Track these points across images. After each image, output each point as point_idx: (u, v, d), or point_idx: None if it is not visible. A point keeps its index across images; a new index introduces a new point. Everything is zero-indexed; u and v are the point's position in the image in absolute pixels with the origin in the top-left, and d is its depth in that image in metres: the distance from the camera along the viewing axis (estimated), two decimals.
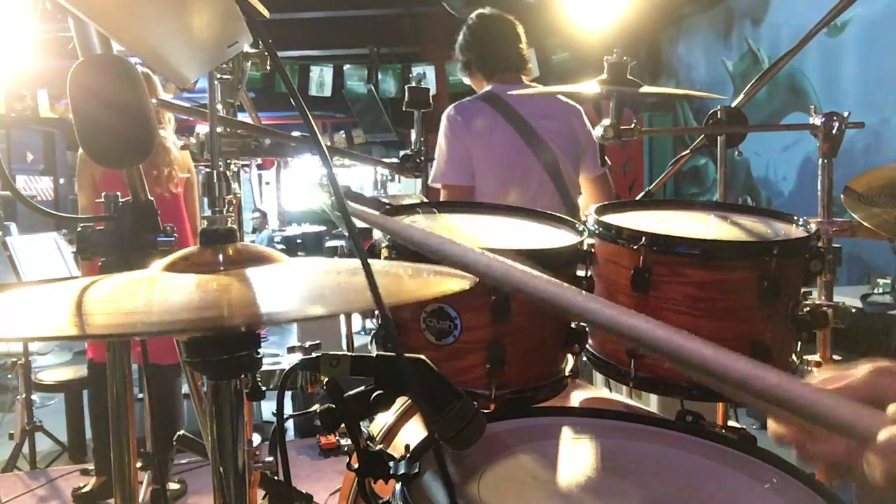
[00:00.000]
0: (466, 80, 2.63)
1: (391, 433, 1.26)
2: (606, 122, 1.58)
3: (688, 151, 1.87)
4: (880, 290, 3.35)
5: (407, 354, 0.82)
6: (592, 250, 1.24)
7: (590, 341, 1.27)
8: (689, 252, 1.14)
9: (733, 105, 1.70)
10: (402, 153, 1.77)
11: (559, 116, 2.43)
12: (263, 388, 0.88)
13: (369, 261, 0.62)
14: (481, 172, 2.36)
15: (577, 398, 1.28)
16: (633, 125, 1.59)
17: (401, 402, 1.23)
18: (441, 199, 2.40)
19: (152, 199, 1.15)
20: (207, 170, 1.28)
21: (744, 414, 4.04)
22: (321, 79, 7.47)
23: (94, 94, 0.97)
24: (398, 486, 0.80)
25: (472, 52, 2.53)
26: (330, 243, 9.26)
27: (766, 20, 4.95)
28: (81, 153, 2.95)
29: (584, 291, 0.58)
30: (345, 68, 7.63)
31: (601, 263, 1.23)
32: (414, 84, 1.73)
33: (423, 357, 0.83)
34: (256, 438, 1.57)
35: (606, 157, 2.48)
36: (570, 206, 2.39)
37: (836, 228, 1.48)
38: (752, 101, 1.73)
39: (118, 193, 1.14)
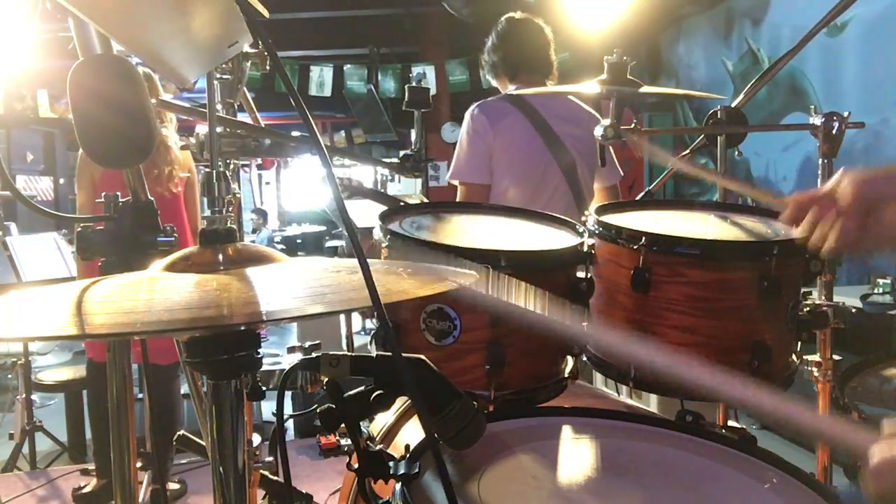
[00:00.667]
0: (494, 83, 2.63)
1: (391, 433, 1.26)
2: (606, 122, 1.58)
3: (688, 151, 1.87)
4: (880, 290, 3.34)
5: (407, 354, 0.82)
6: (592, 251, 1.24)
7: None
8: (689, 252, 1.14)
9: (733, 105, 1.70)
10: (402, 153, 1.77)
11: (581, 123, 2.44)
12: (263, 388, 0.88)
13: (369, 261, 0.62)
14: (500, 172, 2.36)
15: (577, 398, 1.28)
16: (633, 125, 1.59)
17: (401, 402, 1.23)
18: (457, 196, 2.40)
19: (152, 199, 1.15)
20: (207, 170, 1.28)
21: (744, 414, 4.05)
22: (321, 79, 7.47)
23: (94, 94, 0.97)
24: (398, 486, 0.80)
25: (496, 54, 2.54)
26: (330, 243, 9.27)
27: (766, 20, 4.95)
28: (81, 153, 2.94)
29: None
30: (345, 68, 7.63)
31: (601, 263, 1.23)
32: (414, 84, 1.73)
33: (422, 357, 0.83)
34: (256, 438, 1.58)
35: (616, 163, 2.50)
36: (583, 210, 2.40)
37: None
38: (752, 101, 1.73)
39: (118, 193, 1.14)
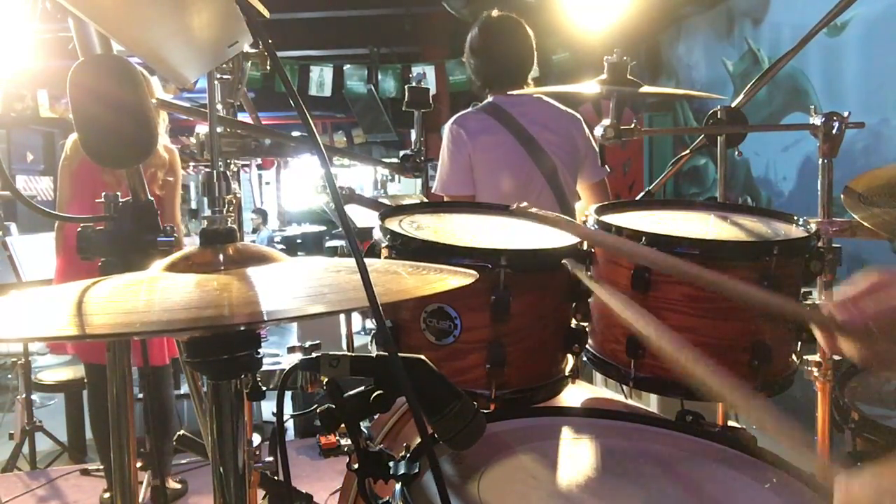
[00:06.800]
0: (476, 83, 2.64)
1: (391, 433, 1.26)
2: (606, 122, 1.58)
3: (688, 151, 1.87)
4: None
5: (406, 354, 0.82)
6: (592, 250, 1.24)
7: (590, 341, 1.27)
8: (689, 252, 1.14)
9: (733, 105, 1.70)
10: (402, 153, 1.77)
11: (560, 128, 2.44)
12: (263, 388, 0.88)
13: (368, 260, 0.62)
14: (483, 182, 2.37)
15: (577, 398, 1.28)
16: (633, 125, 1.59)
17: (402, 402, 1.23)
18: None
19: (152, 198, 1.16)
20: (207, 170, 1.28)
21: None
22: (321, 79, 7.47)
23: (94, 94, 0.97)
24: (398, 486, 0.80)
25: (472, 63, 2.55)
26: (330, 243, 9.27)
27: (766, 20, 4.94)
28: (68, 145, 2.96)
29: None
30: (345, 68, 7.63)
31: (601, 263, 1.23)
32: (414, 84, 1.73)
33: (422, 357, 0.83)
34: (256, 438, 1.57)
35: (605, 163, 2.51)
36: (567, 213, 2.41)
37: (836, 228, 1.48)
38: (752, 101, 1.72)
39: (118, 193, 1.14)
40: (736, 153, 1.73)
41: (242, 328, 0.75)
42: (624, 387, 1.28)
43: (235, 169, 1.73)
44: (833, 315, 0.71)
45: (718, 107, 1.70)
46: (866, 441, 1.51)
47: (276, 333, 5.87)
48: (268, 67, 1.51)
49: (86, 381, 3.14)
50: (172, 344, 2.86)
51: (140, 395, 3.10)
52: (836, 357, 1.52)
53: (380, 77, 7.64)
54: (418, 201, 2.31)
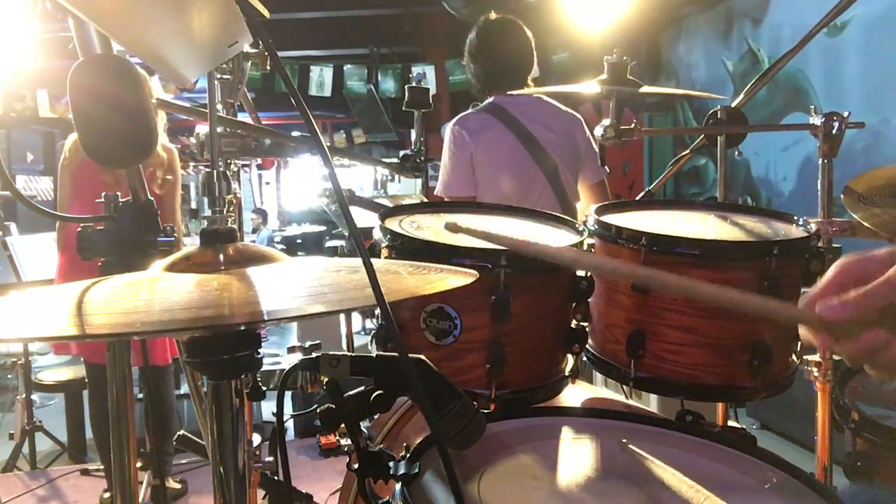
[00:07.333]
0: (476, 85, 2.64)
1: (391, 433, 1.26)
2: (606, 122, 1.58)
3: (688, 151, 1.88)
4: None
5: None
6: (592, 250, 1.24)
7: (590, 341, 1.27)
8: (689, 252, 1.14)
9: (733, 105, 1.70)
10: (402, 153, 1.77)
11: (561, 128, 2.44)
12: (263, 388, 0.88)
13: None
14: (485, 182, 2.38)
15: (577, 398, 1.28)
16: (633, 125, 1.59)
17: (402, 402, 1.23)
18: None
19: (152, 198, 1.16)
20: (207, 170, 1.28)
21: (744, 414, 4.04)
22: (321, 79, 7.47)
23: (94, 94, 0.97)
24: (398, 486, 0.80)
25: (472, 67, 2.55)
26: (330, 243, 9.27)
27: (766, 20, 4.94)
28: (67, 146, 2.96)
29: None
30: (345, 68, 7.63)
31: None
32: (414, 84, 1.73)
33: (423, 357, 0.83)
34: (256, 438, 1.57)
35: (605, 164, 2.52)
36: (569, 213, 2.41)
37: (836, 228, 1.48)
38: (752, 101, 1.73)
39: (118, 193, 1.15)
40: (736, 153, 1.73)
41: (242, 328, 0.75)
42: (624, 387, 1.28)
43: (235, 169, 1.74)
44: (819, 316, 0.64)
45: (718, 107, 1.70)
46: (866, 441, 1.51)
47: (276, 333, 5.88)
48: (268, 67, 1.51)
49: (87, 380, 3.15)
50: (174, 343, 2.87)
51: (140, 396, 3.10)
52: (837, 357, 1.52)
53: (380, 77, 7.64)
54: (418, 201, 2.31)
